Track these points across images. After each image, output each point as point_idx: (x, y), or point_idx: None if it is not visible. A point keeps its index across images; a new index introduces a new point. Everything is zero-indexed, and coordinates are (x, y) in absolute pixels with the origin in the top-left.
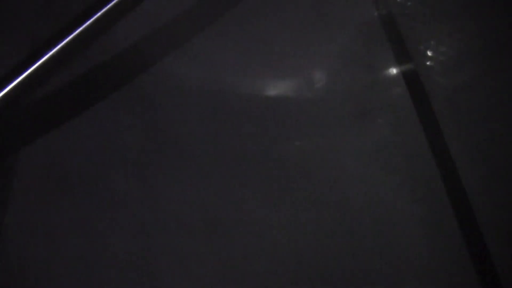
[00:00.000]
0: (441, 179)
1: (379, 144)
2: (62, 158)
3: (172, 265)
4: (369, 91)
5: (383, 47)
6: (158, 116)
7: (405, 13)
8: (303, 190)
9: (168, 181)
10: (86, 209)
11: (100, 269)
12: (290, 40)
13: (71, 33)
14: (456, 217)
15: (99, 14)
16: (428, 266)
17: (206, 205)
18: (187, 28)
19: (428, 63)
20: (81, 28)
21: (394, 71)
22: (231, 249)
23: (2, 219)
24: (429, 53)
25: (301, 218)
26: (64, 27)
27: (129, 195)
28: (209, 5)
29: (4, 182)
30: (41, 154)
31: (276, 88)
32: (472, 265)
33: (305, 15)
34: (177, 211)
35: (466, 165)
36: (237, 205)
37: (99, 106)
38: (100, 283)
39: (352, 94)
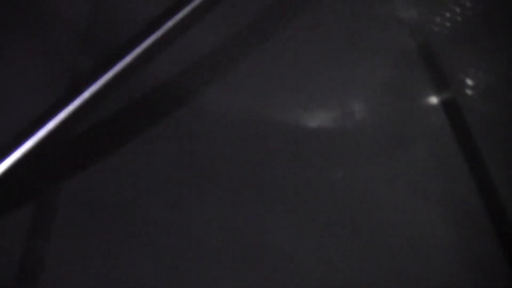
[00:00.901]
0: (483, 209)
1: (418, 173)
2: (98, 187)
3: None
4: (408, 120)
5: (421, 76)
6: (193, 145)
7: (443, 40)
8: (339, 219)
9: (201, 209)
10: (119, 236)
11: None
12: (326, 70)
13: (113, 68)
14: (498, 248)
15: (140, 48)
16: None
17: (239, 234)
18: (224, 57)
19: (467, 91)
20: (122, 63)
21: (432, 99)
22: (264, 279)
23: (41, 249)
24: (468, 81)
25: (337, 249)
26: (105, 62)
27: (162, 223)
28: (245, 36)
29: (42, 212)
30: (79, 184)
31: (313, 118)
32: None
33: (342, 45)
34: (209, 239)
35: (508, 194)
36: (270, 234)
37: (135, 135)
38: None
39: (390, 123)
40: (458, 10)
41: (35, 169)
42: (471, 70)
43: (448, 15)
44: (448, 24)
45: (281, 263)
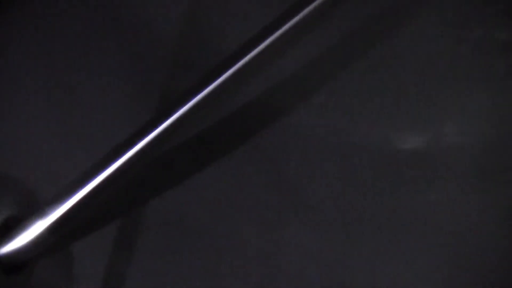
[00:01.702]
0: None
1: (509, 204)
2: (187, 211)
3: None
4: (501, 147)
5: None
6: (282, 167)
7: None
8: (434, 245)
9: (290, 236)
10: (209, 261)
11: None
12: (421, 93)
13: (201, 91)
14: None
15: (232, 72)
16: None
17: (329, 264)
18: (315, 77)
19: None
20: (212, 86)
21: None
22: None
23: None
24: None
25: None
26: (195, 84)
27: (252, 248)
28: (337, 57)
29: (132, 234)
30: (169, 207)
31: (406, 141)
32: None
33: (435, 67)
34: (298, 267)
35: None
36: (363, 265)
37: (222, 157)
38: None
39: (483, 149)
40: None
41: (120, 190)
42: None
43: None
44: None
45: None
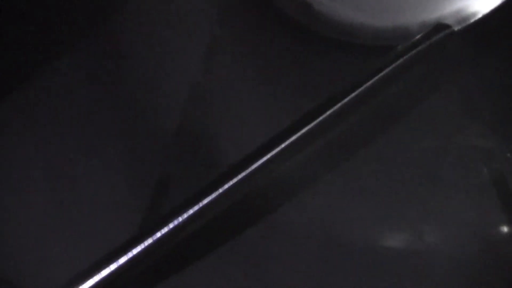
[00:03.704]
0: None
1: None
2: None
3: None
4: (479, 252)
5: (494, 207)
6: (264, 268)
7: None
8: None
9: None
10: None
11: None
12: (403, 195)
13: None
14: None
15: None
16: None
17: None
18: (300, 176)
19: None
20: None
21: (505, 233)
22: None
23: None
24: None
25: None
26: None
27: None
28: (322, 157)
29: None
30: None
31: (386, 240)
32: None
33: (420, 173)
34: None
35: None
36: None
37: (207, 257)
38: None
39: (461, 254)
40: None
41: None
42: None
43: None
44: None
45: None
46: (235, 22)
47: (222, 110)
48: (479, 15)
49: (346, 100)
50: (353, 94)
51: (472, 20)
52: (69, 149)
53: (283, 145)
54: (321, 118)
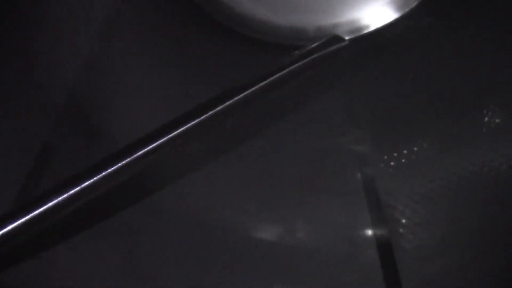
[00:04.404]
0: None
1: None
2: None
3: None
4: (345, 258)
5: (361, 211)
6: (138, 251)
7: (387, 178)
8: None
9: None
10: None
11: None
12: (277, 192)
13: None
14: None
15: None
16: None
17: None
18: (178, 160)
19: (400, 229)
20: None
21: (367, 236)
22: None
23: None
24: (403, 220)
25: None
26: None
27: None
28: (204, 144)
29: None
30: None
31: (258, 232)
32: None
33: (293, 172)
34: None
35: None
36: None
37: (81, 239)
38: None
39: (328, 257)
40: (405, 152)
41: None
42: (407, 210)
43: (395, 154)
44: (392, 163)
45: None
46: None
47: (114, 87)
48: (371, 28)
49: (238, 96)
50: (245, 92)
51: (364, 31)
52: None
53: (172, 133)
54: (212, 111)
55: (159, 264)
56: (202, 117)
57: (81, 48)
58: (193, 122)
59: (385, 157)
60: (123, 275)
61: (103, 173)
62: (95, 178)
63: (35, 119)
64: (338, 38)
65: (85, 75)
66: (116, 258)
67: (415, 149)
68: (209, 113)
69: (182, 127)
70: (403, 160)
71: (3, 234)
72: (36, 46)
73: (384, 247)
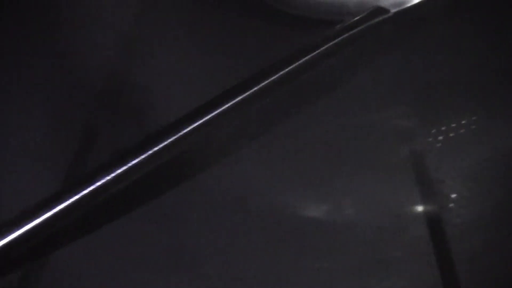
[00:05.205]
0: None
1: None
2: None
3: None
4: (390, 231)
5: (409, 187)
6: (181, 231)
7: (434, 152)
8: None
9: None
10: None
11: None
12: (321, 171)
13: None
14: None
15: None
16: None
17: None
18: (219, 141)
19: (450, 205)
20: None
21: (416, 211)
22: None
23: None
24: (452, 195)
25: None
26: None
27: None
28: (243, 124)
29: None
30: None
31: (306, 210)
32: None
33: (337, 150)
34: None
35: None
36: None
37: (126, 219)
38: None
39: (376, 234)
40: (453, 125)
41: None
42: (456, 185)
43: (443, 128)
44: (440, 137)
45: None
46: None
47: (153, 67)
48: (415, 1)
49: (280, 72)
50: (288, 67)
51: (408, 5)
52: None
53: (212, 113)
54: (255, 88)
55: (204, 245)
56: (244, 94)
57: (120, 29)
58: (237, 99)
59: (433, 131)
60: (169, 257)
61: (148, 152)
62: (140, 157)
63: (77, 102)
64: (382, 10)
65: (124, 56)
66: (162, 240)
67: (464, 122)
68: (252, 90)
69: (225, 104)
70: (452, 134)
71: (53, 215)
72: (75, 27)
73: (434, 222)
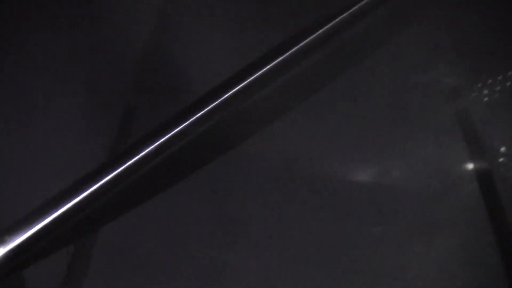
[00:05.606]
0: None
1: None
2: (134, 240)
3: None
4: (440, 188)
5: (457, 144)
6: (227, 199)
7: (481, 108)
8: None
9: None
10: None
11: None
12: (366, 133)
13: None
14: None
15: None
16: None
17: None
18: (267, 107)
19: (501, 159)
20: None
21: (467, 167)
22: None
23: None
24: (502, 149)
25: None
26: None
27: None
28: (293, 88)
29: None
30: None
31: (353, 174)
32: None
33: (381, 111)
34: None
35: None
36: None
37: (169, 191)
38: None
39: (425, 187)
40: (499, 78)
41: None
42: (506, 138)
43: (488, 81)
44: (486, 91)
45: None
46: None
47: (189, 40)
48: None
49: (314, 35)
50: (321, 30)
51: None
52: (31, 78)
53: (251, 78)
54: (289, 52)
55: (254, 213)
56: (287, 53)
57: (156, 5)
58: (279, 59)
59: (479, 85)
60: (220, 228)
61: (188, 121)
62: (181, 126)
63: (115, 79)
64: None
65: (160, 32)
66: (204, 207)
67: (510, 73)
68: (288, 52)
69: (262, 69)
70: (498, 88)
71: (100, 187)
72: (111, 4)
73: (484, 178)
